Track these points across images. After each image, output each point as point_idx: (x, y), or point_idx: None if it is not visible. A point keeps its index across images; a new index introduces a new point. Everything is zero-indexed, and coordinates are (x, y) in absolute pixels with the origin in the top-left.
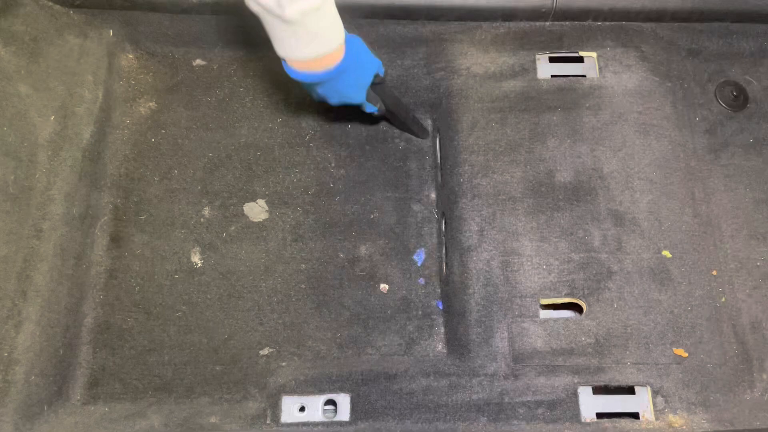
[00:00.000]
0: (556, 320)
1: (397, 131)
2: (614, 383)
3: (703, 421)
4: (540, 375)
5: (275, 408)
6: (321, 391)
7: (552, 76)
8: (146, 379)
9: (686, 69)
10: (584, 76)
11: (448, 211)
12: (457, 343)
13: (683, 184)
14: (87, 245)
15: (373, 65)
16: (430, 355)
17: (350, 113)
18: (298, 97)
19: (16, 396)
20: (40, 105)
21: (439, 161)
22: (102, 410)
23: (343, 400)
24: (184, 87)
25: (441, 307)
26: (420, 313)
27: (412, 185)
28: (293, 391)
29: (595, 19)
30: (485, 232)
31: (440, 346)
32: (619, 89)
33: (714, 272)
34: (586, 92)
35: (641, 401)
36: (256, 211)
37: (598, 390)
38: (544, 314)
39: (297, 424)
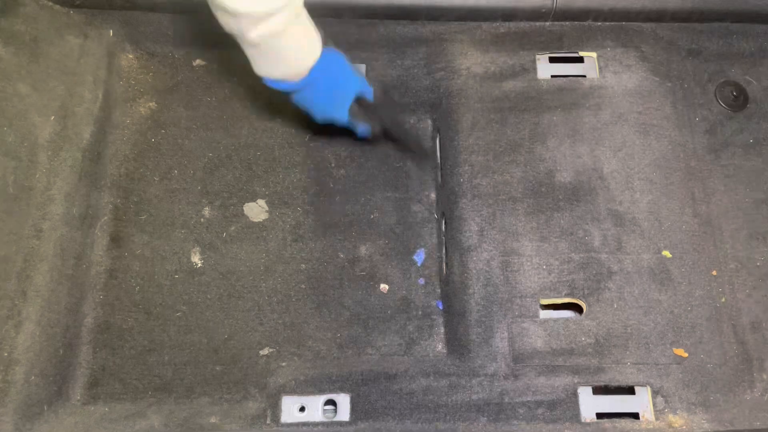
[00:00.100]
0: (556, 320)
1: None
2: (614, 383)
3: (703, 421)
4: (540, 375)
5: (275, 408)
6: (321, 391)
7: (552, 76)
8: (146, 379)
9: (686, 69)
10: (584, 76)
11: (448, 211)
12: (457, 343)
13: (683, 184)
14: (87, 245)
15: (351, 84)
16: (430, 355)
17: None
18: None
19: (16, 396)
20: (40, 105)
21: (439, 161)
22: (102, 410)
23: (343, 400)
24: (184, 87)
25: (441, 307)
26: (420, 313)
27: (412, 185)
28: (293, 391)
29: (595, 20)
30: (485, 232)
31: (440, 346)
32: (619, 89)
33: (714, 272)
34: (586, 92)
35: (641, 401)
36: (256, 211)
37: (598, 390)
38: (544, 314)
39: (297, 424)
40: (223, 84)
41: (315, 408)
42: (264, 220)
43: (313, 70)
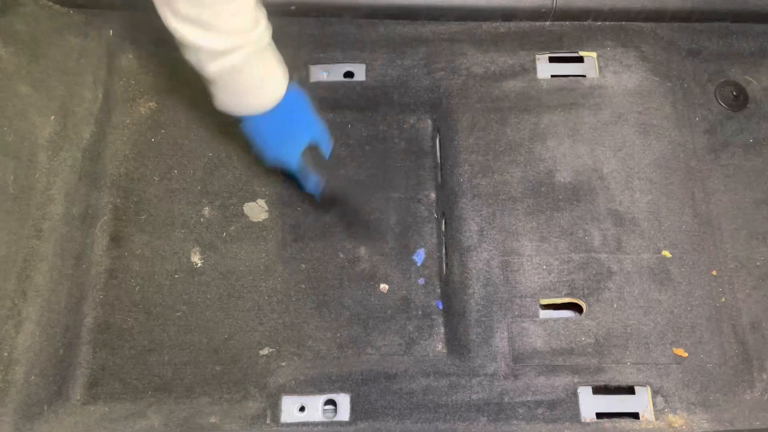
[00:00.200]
0: (556, 320)
1: (396, 131)
2: (614, 383)
3: (703, 421)
4: (540, 375)
5: (275, 408)
6: (321, 391)
7: (552, 76)
8: (146, 379)
9: (686, 69)
10: (584, 76)
11: (448, 211)
12: (457, 343)
13: (683, 184)
14: (87, 245)
15: (307, 129)
16: (430, 355)
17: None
18: None
19: (16, 396)
20: (40, 105)
21: (439, 161)
22: (102, 410)
23: (343, 400)
24: (184, 87)
25: (441, 307)
26: (420, 313)
27: (412, 185)
28: (293, 391)
29: (595, 19)
30: (485, 232)
31: (440, 346)
32: (619, 89)
33: (714, 272)
34: (586, 92)
35: (641, 401)
36: (256, 211)
37: (598, 390)
38: (544, 314)
39: (297, 424)
40: None
41: (315, 408)
42: (264, 220)
43: (272, 108)
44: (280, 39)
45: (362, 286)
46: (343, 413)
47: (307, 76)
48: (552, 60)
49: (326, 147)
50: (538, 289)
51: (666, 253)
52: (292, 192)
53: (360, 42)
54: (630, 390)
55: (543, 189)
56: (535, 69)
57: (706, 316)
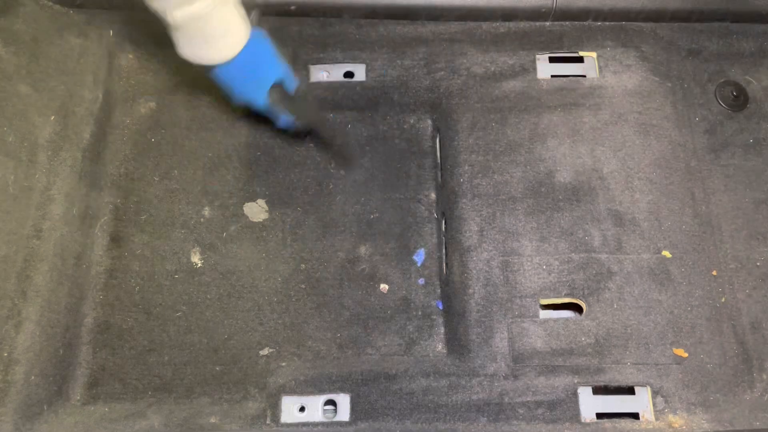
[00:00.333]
0: (556, 320)
1: (397, 131)
2: (614, 383)
3: (703, 422)
4: (540, 375)
5: (275, 408)
6: (321, 391)
7: (552, 76)
8: (146, 379)
9: (686, 69)
10: (584, 76)
11: (448, 211)
12: (457, 343)
13: (683, 184)
14: (87, 245)
15: (272, 69)
16: (430, 355)
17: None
18: None
19: (16, 396)
20: (40, 105)
21: (439, 161)
22: (102, 410)
23: (343, 400)
24: (184, 87)
25: (441, 307)
26: (420, 313)
27: (412, 185)
28: (293, 391)
29: (595, 19)
30: (485, 232)
31: (440, 346)
32: (619, 89)
33: (714, 272)
34: (586, 92)
35: (641, 401)
36: (256, 211)
37: (598, 390)
38: (544, 314)
39: (297, 424)
40: None
41: (315, 408)
42: (264, 220)
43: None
44: (280, 39)
45: (362, 286)
46: (343, 413)
47: (307, 76)
48: (552, 60)
49: (290, 84)
50: (538, 290)
51: (666, 254)
52: (292, 192)
53: (360, 42)
54: (630, 390)
55: (543, 189)
56: (535, 69)
57: (706, 317)
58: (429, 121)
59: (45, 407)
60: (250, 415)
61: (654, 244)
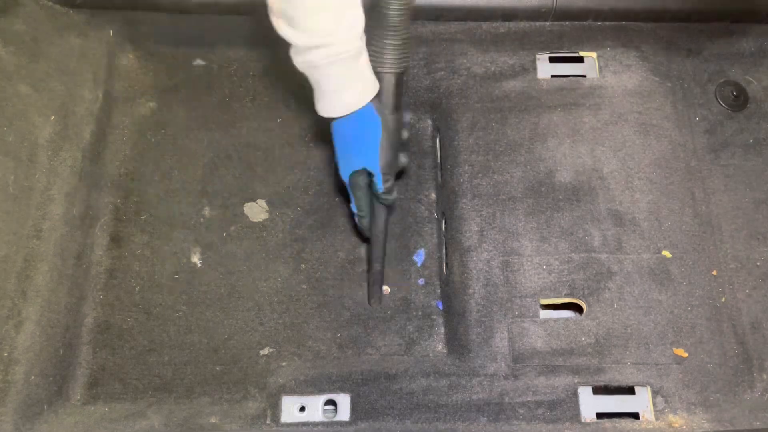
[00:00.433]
0: (556, 320)
1: None
2: (614, 383)
3: (703, 421)
4: (540, 375)
5: (275, 408)
6: (321, 391)
7: (552, 76)
8: (146, 379)
9: (686, 69)
10: (584, 76)
11: (448, 211)
12: (457, 343)
13: (683, 184)
14: (87, 245)
15: (359, 152)
16: (430, 355)
17: None
18: (299, 97)
19: (16, 396)
20: (40, 105)
21: (439, 161)
22: (102, 410)
23: (343, 400)
24: (184, 87)
25: (441, 307)
26: (420, 313)
27: (412, 185)
28: (293, 391)
29: (595, 19)
30: (485, 232)
31: (440, 346)
32: (619, 89)
33: (714, 272)
34: (586, 92)
35: (641, 401)
36: (256, 211)
37: (598, 390)
38: (544, 314)
39: (297, 424)
40: (223, 84)
41: (315, 408)
42: (264, 220)
43: (341, 119)
44: (280, 39)
45: (362, 287)
46: (343, 413)
47: None
48: (552, 60)
49: (379, 183)
50: (539, 289)
51: (666, 253)
52: (292, 192)
53: None
54: (630, 390)
55: (543, 189)
56: (535, 69)
57: (706, 316)
58: (429, 121)
59: (45, 407)
60: (250, 415)
61: (654, 244)
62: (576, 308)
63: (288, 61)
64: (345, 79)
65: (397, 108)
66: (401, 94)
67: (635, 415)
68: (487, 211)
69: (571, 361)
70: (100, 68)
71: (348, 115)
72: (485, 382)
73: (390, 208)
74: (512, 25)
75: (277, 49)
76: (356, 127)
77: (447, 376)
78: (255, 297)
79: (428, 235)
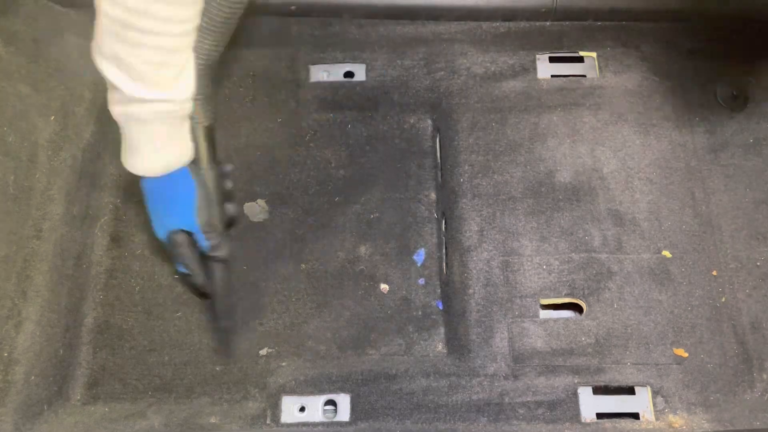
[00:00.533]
0: (556, 320)
1: (397, 131)
2: (614, 383)
3: (703, 422)
4: (540, 375)
5: (275, 408)
6: (321, 392)
7: (552, 76)
8: (146, 379)
9: (686, 69)
10: (584, 76)
11: (448, 211)
12: (457, 343)
13: (683, 184)
14: (87, 245)
15: (182, 214)
16: (430, 355)
17: (349, 116)
18: (299, 97)
19: (16, 396)
20: (40, 105)
21: (439, 161)
22: (102, 410)
23: (343, 401)
24: None
25: (441, 307)
26: (420, 313)
27: (412, 185)
28: (293, 391)
29: (596, 19)
30: (485, 232)
31: (440, 346)
32: (619, 89)
33: (714, 272)
34: (586, 92)
35: (641, 401)
36: (256, 211)
37: (598, 390)
38: (544, 314)
39: (297, 425)
40: (223, 84)
41: (315, 408)
42: (264, 220)
43: (154, 178)
44: (280, 39)
45: (362, 286)
46: (344, 413)
47: (307, 76)
48: (552, 60)
49: (201, 242)
50: (538, 289)
51: (666, 253)
52: (292, 192)
53: (360, 42)
54: (630, 390)
55: (543, 189)
56: (535, 69)
57: (706, 316)
58: (429, 121)
59: (45, 407)
60: (250, 415)
61: (654, 244)
62: (576, 308)
63: (288, 61)
64: (168, 139)
65: (214, 160)
66: (215, 146)
67: (635, 416)
68: (487, 211)
69: (571, 361)
70: None
71: (162, 175)
72: (485, 383)
73: (226, 261)
74: (512, 25)
75: (277, 49)
76: (171, 187)
77: (447, 377)
78: (255, 297)
79: (428, 235)
